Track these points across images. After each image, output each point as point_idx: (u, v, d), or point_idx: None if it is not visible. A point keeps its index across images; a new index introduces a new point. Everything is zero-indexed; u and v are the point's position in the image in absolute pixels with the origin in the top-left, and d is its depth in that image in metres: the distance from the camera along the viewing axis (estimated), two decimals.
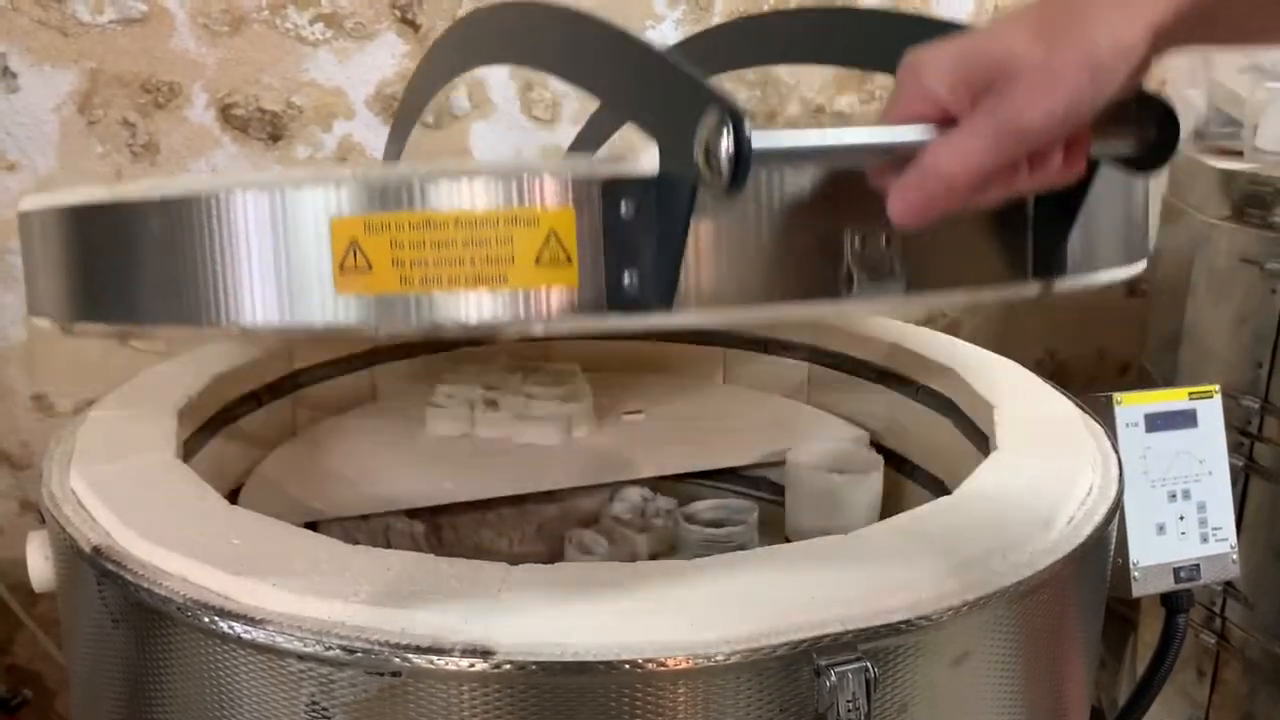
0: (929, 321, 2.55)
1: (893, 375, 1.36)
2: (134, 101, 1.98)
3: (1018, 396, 1.16)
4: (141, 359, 2.10)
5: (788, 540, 1.24)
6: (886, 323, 1.44)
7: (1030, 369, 1.27)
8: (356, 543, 1.26)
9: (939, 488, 1.29)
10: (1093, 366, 2.70)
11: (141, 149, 2.01)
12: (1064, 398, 1.19)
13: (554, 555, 1.29)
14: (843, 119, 2.35)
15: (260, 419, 1.29)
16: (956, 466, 1.24)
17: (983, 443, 1.16)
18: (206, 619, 0.75)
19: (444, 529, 1.35)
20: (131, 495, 0.90)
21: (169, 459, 0.97)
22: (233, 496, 1.18)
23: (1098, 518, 0.93)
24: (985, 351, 1.33)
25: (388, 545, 1.25)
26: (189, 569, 0.79)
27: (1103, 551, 0.97)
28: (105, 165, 2.00)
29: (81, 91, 1.95)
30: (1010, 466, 1.00)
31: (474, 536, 1.35)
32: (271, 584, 0.76)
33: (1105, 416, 1.27)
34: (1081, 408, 1.18)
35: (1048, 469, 0.99)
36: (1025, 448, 1.03)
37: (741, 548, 1.14)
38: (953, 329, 2.58)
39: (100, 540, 0.84)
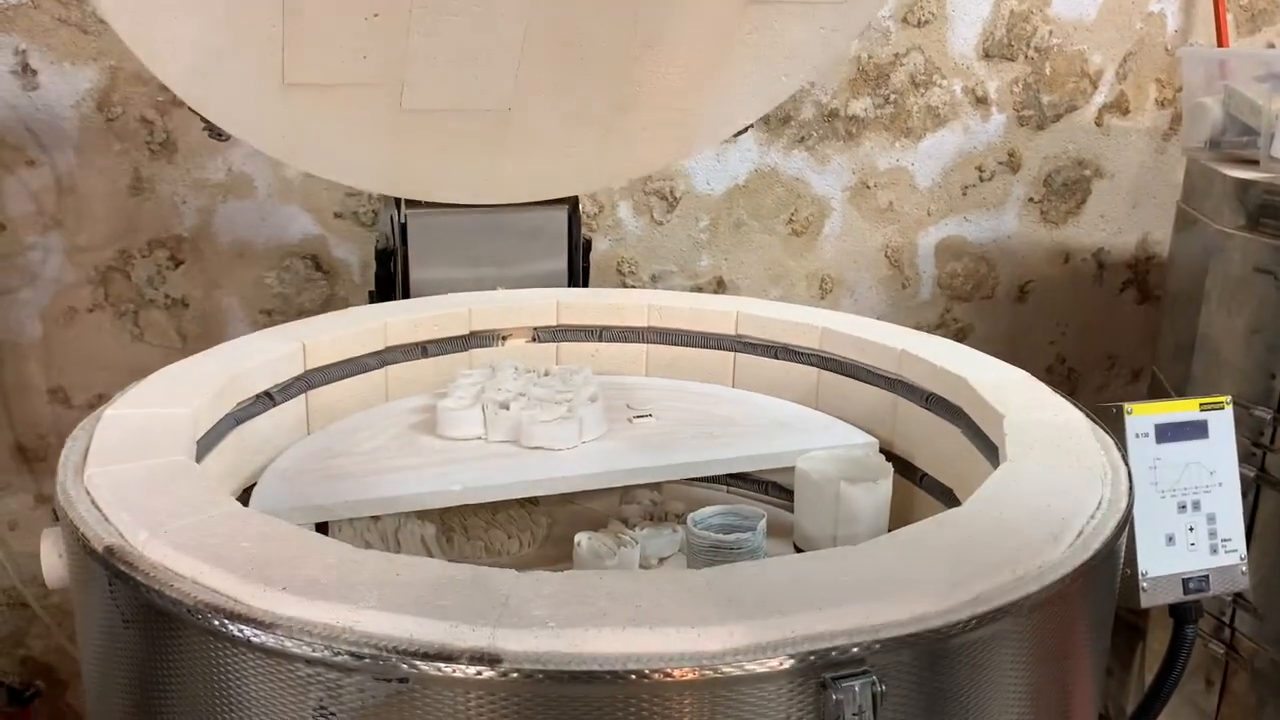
0: (939, 326, 2.55)
1: (902, 382, 1.36)
2: (153, 99, 2.00)
3: (1027, 406, 1.16)
4: (156, 354, 2.12)
5: (796, 547, 1.25)
6: (897, 330, 1.44)
7: (1041, 375, 1.27)
8: (368, 544, 1.27)
9: (947, 496, 1.29)
10: (1104, 373, 2.70)
11: (159, 146, 2.02)
12: (1074, 408, 1.19)
13: (564, 557, 1.29)
14: (857, 122, 2.35)
15: (274, 417, 1.29)
16: (965, 475, 1.24)
17: (991, 452, 1.16)
18: (216, 622, 0.75)
19: (454, 530, 1.36)
20: (145, 496, 0.90)
21: (183, 460, 0.98)
22: (246, 493, 1.20)
23: (1107, 531, 0.93)
24: (995, 360, 1.32)
25: (398, 546, 1.27)
26: (200, 571, 0.80)
27: (1112, 565, 0.97)
28: (124, 162, 2.01)
29: (101, 89, 1.97)
30: (1019, 478, 1.00)
31: (484, 537, 1.35)
32: (281, 588, 0.76)
33: (1115, 427, 1.27)
34: (1091, 418, 1.18)
35: (1057, 481, 0.99)
36: (1034, 459, 1.03)
37: (750, 554, 1.14)
38: (964, 334, 2.58)
39: (113, 540, 0.85)
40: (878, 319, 2.53)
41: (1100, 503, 0.97)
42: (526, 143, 1.54)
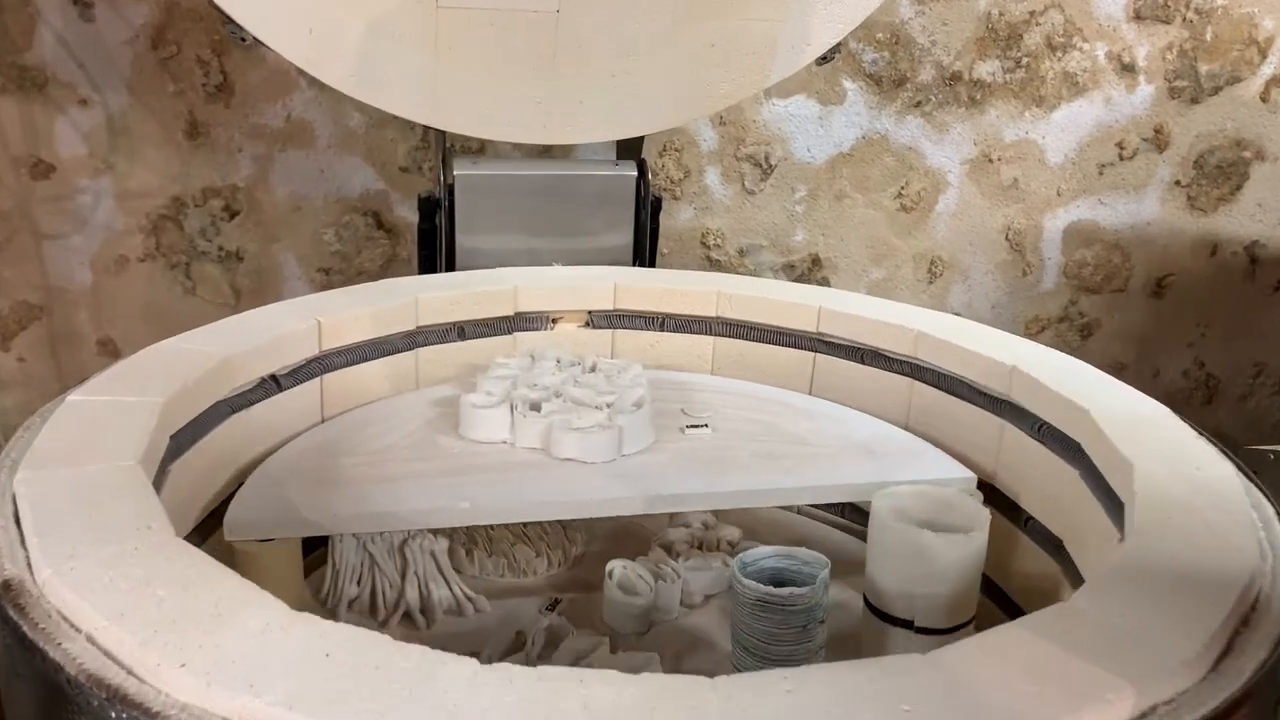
0: (1062, 319, 2.28)
1: (1011, 405, 1.14)
2: (209, 38, 1.87)
3: (1165, 455, 0.93)
4: (208, 309, 2.01)
5: (866, 600, 1.05)
6: (1010, 340, 1.21)
7: (1175, 380, 1.04)
8: (371, 556, 1.12)
9: (1055, 548, 1.08)
10: (1248, 382, 2.38)
11: (216, 90, 1.89)
12: (1225, 458, 0.96)
13: (599, 582, 1.12)
14: (982, 87, 2.09)
15: (279, 405, 1.15)
16: (1080, 527, 1.03)
17: (1115, 506, 0.94)
18: (95, 702, 0.60)
19: (478, 542, 1.20)
20: (70, 515, 0.76)
21: (128, 468, 0.83)
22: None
23: (1266, 648, 0.71)
24: (1126, 387, 1.09)
25: (404, 562, 1.11)
26: (98, 627, 0.65)
27: (1272, 693, 0.75)
28: (178, 104, 1.89)
29: (155, 25, 1.84)
30: (1149, 561, 0.78)
31: (508, 553, 1.19)
32: (180, 664, 0.60)
33: (1270, 480, 1.03)
34: (1246, 474, 0.94)
35: (1200, 569, 0.77)
36: (1171, 535, 0.81)
37: (806, 614, 0.95)
38: (1089, 330, 2.30)
39: (14, 574, 0.71)
40: (992, 308, 2.29)
41: (1258, 597, 0.75)
42: (581, 63, 1.34)
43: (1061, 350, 1.19)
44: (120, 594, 0.67)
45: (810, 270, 2.15)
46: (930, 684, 0.62)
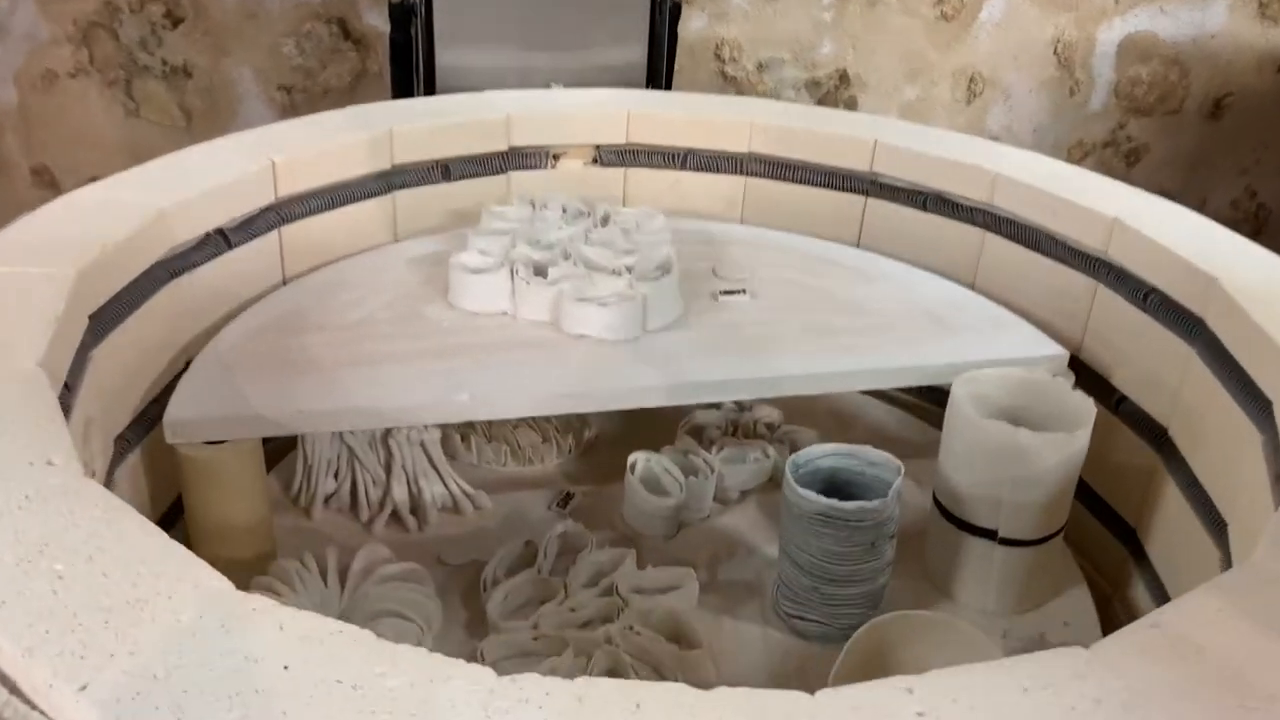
0: (1108, 144, 2.06)
1: (1107, 265, 0.95)
2: None
3: None
4: (155, 133, 1.77)
5: (936, 500, 0.89)
6: (1109, 186, 1.01)
7: (1224, 209, 0.85)
8: (349, 449, 0.94)
9: (1155, 438, 0.91)
10: None
11: None
12: None
13: (616, 473, 0.96)
14: None
15: (229, 264, 0.95)
16: (1193, 415, 0.86)
17: (1252, 398, 0.77)
18: None
19: (475, 426, 1.02)
20: None
21: (25, 373, 0.64)
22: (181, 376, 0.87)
23: None
24: (1259, 249, 0.91)
25: (388, 454, 0.94)
26: None
27: None
28: None
29: None
30: None
31: (511, 438, 1.02)
32: (81, 686, 0.43)
33: None
34: None
35: None
36: None
37: (876, 530, 0.79)
38: (1137, 155, 2.09)
39: None
40: (1034, 131, 2.07)
41: None
42: None
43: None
44: (3, 569, 0.49)
45: (837, 88, 1.91)
46: (1107, 693, 0.46)
